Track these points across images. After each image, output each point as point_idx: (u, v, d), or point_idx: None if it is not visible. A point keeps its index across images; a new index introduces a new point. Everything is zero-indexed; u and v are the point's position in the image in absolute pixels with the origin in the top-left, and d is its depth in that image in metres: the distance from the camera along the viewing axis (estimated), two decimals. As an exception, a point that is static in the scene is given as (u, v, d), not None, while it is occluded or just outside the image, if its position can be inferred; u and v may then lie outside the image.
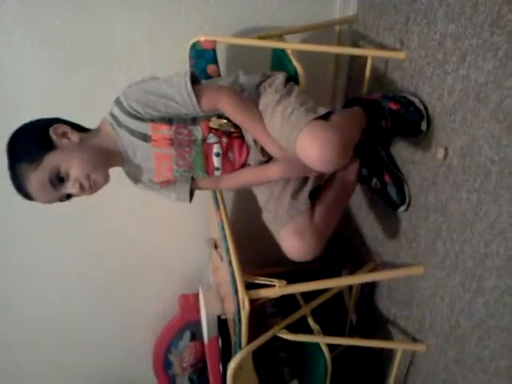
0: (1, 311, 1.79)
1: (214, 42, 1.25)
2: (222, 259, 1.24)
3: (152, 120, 1.10)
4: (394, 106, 1.20)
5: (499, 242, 0.96)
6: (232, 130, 1.15)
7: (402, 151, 1.30)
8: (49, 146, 1.04)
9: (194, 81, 1.09)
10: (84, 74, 1.34)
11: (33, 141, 1.05)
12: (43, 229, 1.65)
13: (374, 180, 1.32)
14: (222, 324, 1.44)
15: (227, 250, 1.18)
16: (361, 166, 1.30)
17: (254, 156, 1.19)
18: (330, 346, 1.37)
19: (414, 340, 1.37)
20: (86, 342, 1.96)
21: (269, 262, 1.55)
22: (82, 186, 1.08)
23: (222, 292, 1.39)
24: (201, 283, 1.70)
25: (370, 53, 1.30)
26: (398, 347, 1.38)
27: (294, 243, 1.13)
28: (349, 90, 1.60)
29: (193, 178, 1.24)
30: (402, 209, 1.29)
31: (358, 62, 1.48)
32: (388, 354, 1.49)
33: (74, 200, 1.57)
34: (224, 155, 1.17)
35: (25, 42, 1.31)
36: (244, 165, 1.21)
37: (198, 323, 1.73)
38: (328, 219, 1.21)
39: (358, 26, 1.45)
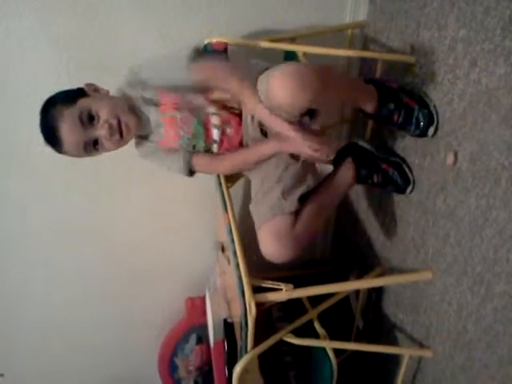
0: (6, 312, 1.80)
1: (226, 43, 1.26)
2: (229, 262, 1.23)
3: (160, 87, 1.20)
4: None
5: (508, 247, 0.96)
6: (233, 105, 1.21)
7: (411, 156, 1.30)
8: (83, 94, 1.17)
9: (198, 57, 1.18)
10: (92, 77, 1.34)
11: (70, 91, 1.18)
12: (51, 230, 1.66)
13: (375, 175, 1.33)
14: (228, 327, 1.44)
15: (234, 253, 1.17)
16: (357, 168, 1.32)
17: (251, 133, 1.22)
18: (336, 351, 1.37)
19: (421, 346, 1.36)
20: (91, 344, 1.95)
21: (276, 266, 1.54)
22: (111, 127, 1.15)
23: (229, 295, 1.38)
24: (207, 286, 1.70)
25: (380, 56, 1.30)
26: (405, 353, 1.37)
27: (270, 244, 1.15)
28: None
29: (194, 152, 1.28)
30: (409, 190, 1.31)
31: (368, 66, 1.48)
32: (394, 360, 1.47)
33: (80, 201, 1.60)
34: (222, 130, 1.23)
35: (31, 44, 1.33)
36: (241, 144, 1.26)
37: (205, 326, 1.73)
38: (311, 227, 1.21)
39: (369, 30, 1.45)
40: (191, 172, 1.31)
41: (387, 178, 1.32)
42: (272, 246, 1.15)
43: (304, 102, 0.99)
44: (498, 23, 0.91)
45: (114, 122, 1.16)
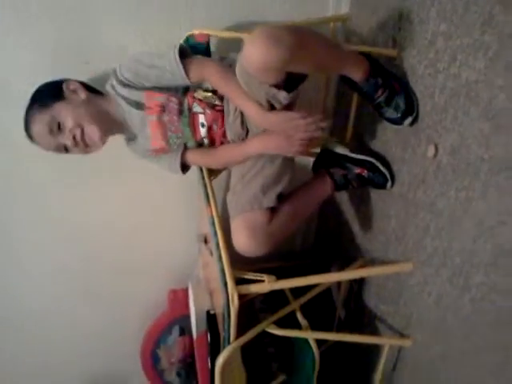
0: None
1: (208, 35, 1.26)
2: (211, 254, 1.24)
3: (145, 89, 1.18)
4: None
5: (487, 239, 0.98)
6: (216, 102, 1.21)
7: (392, 148, 1.31)
8: (59, 96, 1.19)
9: (184, 54, 1.17)
10: (75, 76, 1.32)
11: (49, 90, 1.21)
12: (32, 224, 1.64)
13: (352, 181, 1.35)
14: (210, 319, 1.44)
15: (217, 245, 1.17)
16: (333, 179, 1.35)
17: (234, 129, 1.23)
18: (318, 342, 1.38)
19: (401, 335, 1.38)
20: (73, 336, 1.94)
21: (258, 258, 1.55)
22: (74, 138, 1.18)
23: (212, 287, 1.39)
24: (190, 278, 1.70)
25: (362, 49, 1.30)
26: (385, 342, 1.40)
27: (242, 237, 1.16)
28: (341, 86, 1.61)
29: (186, 148, 1.29)
30: (388, 185, 1.32)
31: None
32: (375, 349, 1.50)
33: (61, 192, 1.58)
34: (209, 127, 1.24)
35: (11, 44, 1.30)
36: (224, 136, 1.26)
37: (187, 318, 1.73)
38: (285, 227, 1.23)
39: (352, 23, 1.46)
40: (185, 168, 1.34)
41: (364, 180, 1.34)
42: (244, 238, 1.15)
43: (279, 60, 0.94)
44: (478, 18, 0.92)
45: (78, 133, 1.18)
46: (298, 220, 1.29)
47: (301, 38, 0.98)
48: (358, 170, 1.33)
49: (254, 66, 0.97)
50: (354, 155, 1.35)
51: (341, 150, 1.37)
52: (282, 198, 1.23)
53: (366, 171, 1.33)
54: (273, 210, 1.20)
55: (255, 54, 0.95)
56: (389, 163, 1.33)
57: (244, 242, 1.16)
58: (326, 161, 1.38)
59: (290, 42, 0.94)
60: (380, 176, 1.32)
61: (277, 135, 1.17)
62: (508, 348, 0.97)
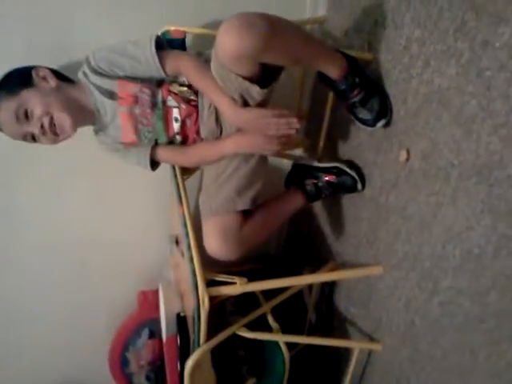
0: None
1: (184, 32, 1.25)
2: (183, 255, 1.22)
3: (118, 77, 1.16)
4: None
5: (455, 244, 0.99)
6: (191, 97, 1.20)
7: (364, 152, 1.32)
8: (28, 83, 1.15)
9: (160, 46, 1.15)
10: (46, 60, 1.29)
11: (17, 76, 1.16)
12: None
13: (324, 191, 1.37)
14: (181, 322, 1.42)
15: (188, 247, 1.16)
16: (304, 192, 1.38)
17: (208, 126, 1.21)
18: (289, 345, 1.38)
19: (371, 339, 1.39)
20: (38, 338, 1.89)
21: (231, 261, 1.54)
22: (42, 126, 1.15)
23: (182, 289, 1.37)
24: (161, 280, 1.68)
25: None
26: (355, 346, 1.40)
27: (214, 240, 1.17)
28: (316, 89, 1.62)
29: (157, 144, 1.27)
30: (359, 187, 1.33)
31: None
32: (345, 353, 1.50)
33: (27, 190, 1.53)
34: (183, 122, 1.22)
35: None
36: (198, 133, 1.24)
37: (157, 321, 1.70)
38: (256, 234, 1.24)
39: (328, 26, 1.46)
40: (154, 165, 1.30)
41: (334, 186, 1.36)
42: (215, 241, 1.16)
43: (252, 47, 0.92)
44: (450, 25, 0.93)
45: (46, 122, 1.15)
46: (269, 229, 1.32)
47: (275, 25, 0.95)
48: (326, 178, 1.36)
49: (226, 53, 0.96)
50: (321, 164, 1.38)
51: (309, 161, 1.42)
52: (256, 201, 1.24)
53: (334, 176, 1.35)
54: (246, 216, 1.21)
55: (228, 41, 0.93)
56: (356, 165, 1.36)
57: (215, 245, 1.16)
58: (296, 175, 1.42)
59: (264, 29, 0.92)
60: (348, 177, 1.34)
61: (251, 134, 1.16)
62: (475, 350, 0.98)
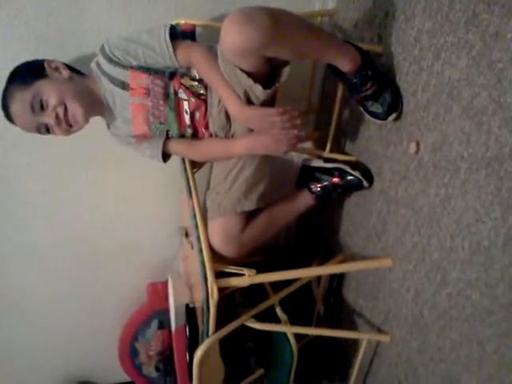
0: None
1: (194, 25, 1.25)
2: (192, 247, 1.23)
3: (131, 67, 1.16)
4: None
5: (464, 236, 0.99)
6: (201, 91, 1.20)
7: (374, 145, 1.32)
8: (41, 74, 1.15)
9: (174, 36, 1.16)
10: (55, 53, 1.29)
11: (29, 68, 1.17)
12: (11, 212, 1.60)
13: (332, 193, 1.41)
14: (190, 313, 1.44)
15: (198, 239, 1.17)
16: (313, 194, 1.41)
17: (218, 122, 1.22)
18: (297, 336, 1.39)
19: (379, 331, 1.39)
20: (51, 327, 1.92)
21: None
22: (57, 117, 1.15)
23: (192, 280, 1.38)
24: (170, 272, 1.69)
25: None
26: (363, 337, 1.41)
27: (217, 239, 1.24)
28: (326, 81, 1.61)
29: (168, 137, 1.27)
30: (365, 184, 1.34)
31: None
32: (353, 344, 1.51)
33: (41, 182, 1.55)
34: (191, 114, 1.23)
35: None
36: (206, 127, 1.25)
37: (166, 312, 1.72)
38: (258, 237, 1.31)
39: (338, 18, 1.46)
40: (166, 157, 1.32)
41: (342, 188, 1.39)
42: (218, 241, 1.24)
43: (255, 40, 0.92)
44: (462, 17, 0.93)
45: (61, 112, 1.15)
46: (276, 227, 1.38)
47: (277, 18, 0.94)
48: (333, 180, 1.38)
49: (230, 48, 0.96)
50: (324, 165, 1.41)
51: (316, 162, 1.44)
52: (262, 200, 1.28)
53: (338, 179, 1.37)
54: (253, 214, 1.26)
55: (230, 36, 0.93)
56: (361, 164, 1.37)
57: (218, 244, 1.24)
58: (305, 177, 1.44)
59: (266, 22, 0.91)
60: (353, 178, 1.35)
61: (264, 136, 1.16)
62: (483, 342, 0.98)
